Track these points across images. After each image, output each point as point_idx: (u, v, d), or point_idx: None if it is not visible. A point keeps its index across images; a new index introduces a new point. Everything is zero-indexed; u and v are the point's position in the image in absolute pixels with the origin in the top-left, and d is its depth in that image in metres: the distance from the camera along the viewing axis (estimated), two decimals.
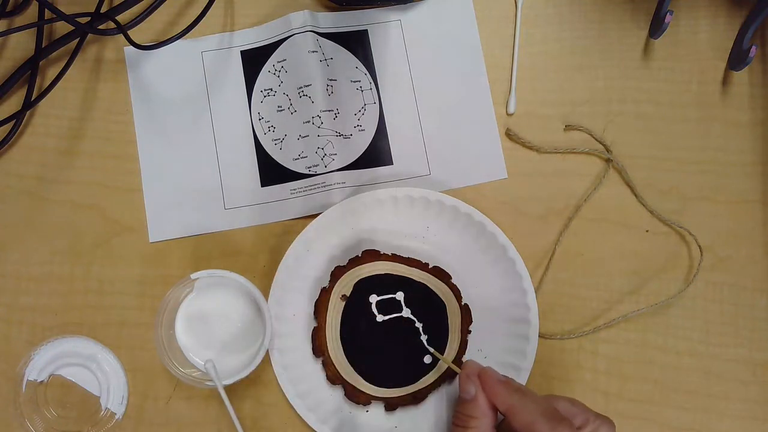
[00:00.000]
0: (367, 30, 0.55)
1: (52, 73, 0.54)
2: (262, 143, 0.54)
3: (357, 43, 0.55)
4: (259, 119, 0.54)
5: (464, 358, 0.51)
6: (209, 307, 0.49)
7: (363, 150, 0.54)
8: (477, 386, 0.44)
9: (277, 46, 0.54)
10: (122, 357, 0.51)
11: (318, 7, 0.55)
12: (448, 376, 0.51)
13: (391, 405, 0.50)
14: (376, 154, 0.54)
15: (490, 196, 0.54)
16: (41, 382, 0.50)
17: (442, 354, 0.51)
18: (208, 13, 0.53)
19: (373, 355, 0.51)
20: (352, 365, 0.51)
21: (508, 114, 0.55)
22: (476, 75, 0.56)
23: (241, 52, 0.55)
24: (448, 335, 0.52)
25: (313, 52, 0.54)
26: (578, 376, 0.53)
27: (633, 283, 0.54)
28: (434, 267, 0.52)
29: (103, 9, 0.53)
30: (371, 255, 0.52)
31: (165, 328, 0.48)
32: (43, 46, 0.54)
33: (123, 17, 0.54)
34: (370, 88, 0.55)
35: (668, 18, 0.53)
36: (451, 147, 0.55)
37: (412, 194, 0.52)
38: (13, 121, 0.52)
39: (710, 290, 0.54)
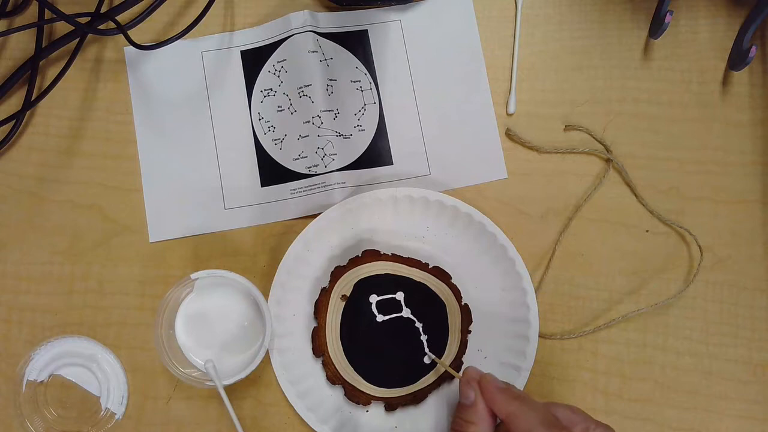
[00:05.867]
0: (367, 30, 0.55)
1: (52, 73, 0.54)
2: (262, 143, 0.54)
3: (357, 43, 0.55)
4: (259, 119, 0.54)
5: (464, 358, 0.51)
6: (209, 307, 0.49)
7: (363, 150, 0.54)
8: (477, 392, 0.44)
9: (277, 46, 0.54)
10: (122, 357, 0.51)
11: (318, 7, 0.55)
12: (448, 376, 0.51)
13: (391, 405, 0.50)
14: (376, 154, 0.54)
15: (490, 196, 0.54)
16: (41, 382, 0.50)
17: (442, 355, 0.51)
18: (208, 13, 0.53)
19: (373, 355, 0.51)
20: (352, 365, 0.51)
21: (508, 114, 0.55)
22: (476, 75, 0.56)
23: (241, 52, 0.55)
24: (448, 335, 0.52)
25: (313, 52, 0.54)
26: (578, 376, 0.53)
27: (633, 283, 0.54)
28: (434, 267, 0.52)
29: (103, 9, 0.53)
30: (371, 255, 0.52)
31: (165, 328, 0.48)
32: (43, 46, 0.54)
33: (123, 17, 0.54)
34: (370, 88, 0.55)
35: (668, 18, 0.53)
36: (451, 147, 0.55)
37: (412, 194, 0.52)
38: (13, 121, 0.52)
39: (710, 290, 0.54)
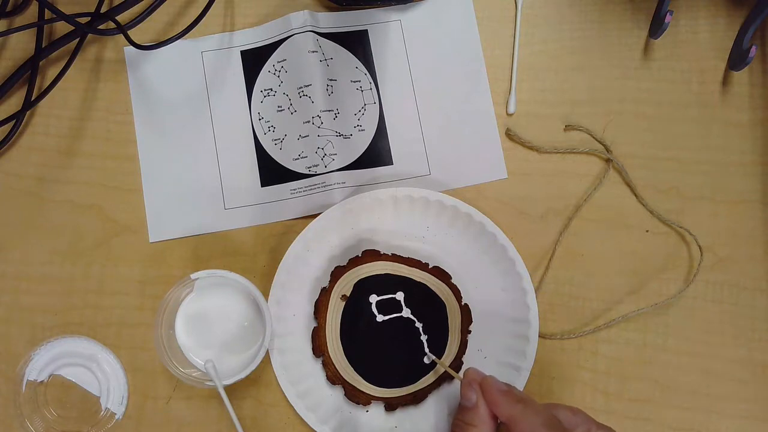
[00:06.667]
0: (367, 30, 0.55)
1: (52, 73, 0.54)
2: (262, 143, 0.54)
3: (357, 43, 0.55)
4: (259, 119, 0.54)
5: (464, 359, 0.51)
6: (209, 307, 0.49)
7: (363, 150, 0.54)
8: (478, 394, 0.44)
9: (277, 46, 0.54)
10: (122, 357, 0.51)
11: (318, 7, 0.55)
12: (448, 376, 0.51)
13: (391, 405, 0.50)
14: (376, 154, 0.54)
15: (490, 196, 0.54)
16: (41, 382, 0.50)
17: (442, 355, 0.51)
18: (208, 13, 0.53)
19: (373, 355, 0.51)
20: (352, 365, 0.51)
21: (508, 114, 0.55)
22: (476, 75, 0.56)
23: (241, 52, 0.55)
24: (448, 335, 0.52)
25: (313, 52, 0.54)
26: (578, 376, 0.53)
27: (633, 283, 0.54)
28: (434, 267, 0.52)
29: (103, 9, 0.53)
30: (371, 255, 0.52)
31: (165, 328, 0.48)
32: (43, 46, 0.54)
33: (123, 17, 0.54)
34: (370, 88, 0.55)
35: (668, 18, 0.53)
36: (451, 147, 0.55)
37: (412, 194, 0.52)
38: (13, 121, 0.52)
39: (710, 290, 0.54)
